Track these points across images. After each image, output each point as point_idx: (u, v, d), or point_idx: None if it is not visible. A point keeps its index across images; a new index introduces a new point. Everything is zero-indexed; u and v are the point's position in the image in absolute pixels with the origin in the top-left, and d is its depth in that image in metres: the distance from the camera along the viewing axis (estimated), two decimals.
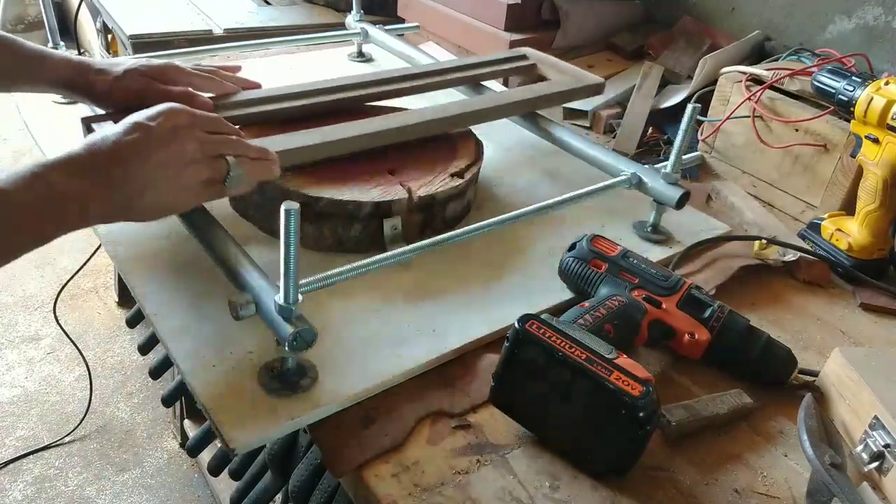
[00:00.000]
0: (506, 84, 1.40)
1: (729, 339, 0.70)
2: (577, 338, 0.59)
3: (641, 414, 0.55)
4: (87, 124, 0.79)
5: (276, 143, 0.77)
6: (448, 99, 1.01)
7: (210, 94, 0.87)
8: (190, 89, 0.84)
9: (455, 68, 1.06)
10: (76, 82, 0.81)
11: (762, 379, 0.71)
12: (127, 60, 0.83)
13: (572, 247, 0.78)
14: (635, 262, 0.75)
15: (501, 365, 0.62)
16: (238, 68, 0.97)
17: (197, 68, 0.88)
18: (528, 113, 1.02)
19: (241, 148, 0.69)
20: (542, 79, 1.11)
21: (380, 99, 0.97)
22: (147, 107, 0.65)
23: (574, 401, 0.58)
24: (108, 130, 0.63)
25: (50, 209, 0.57)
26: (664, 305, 0.72)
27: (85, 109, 1.05)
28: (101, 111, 0.84)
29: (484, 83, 1.11)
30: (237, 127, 0.73)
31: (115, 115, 0.75)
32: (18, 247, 0.57)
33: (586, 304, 0.70)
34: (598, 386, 0.56)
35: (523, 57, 1.12)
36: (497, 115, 0.97)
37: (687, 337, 0.70)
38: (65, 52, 0.90)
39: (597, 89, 1.06)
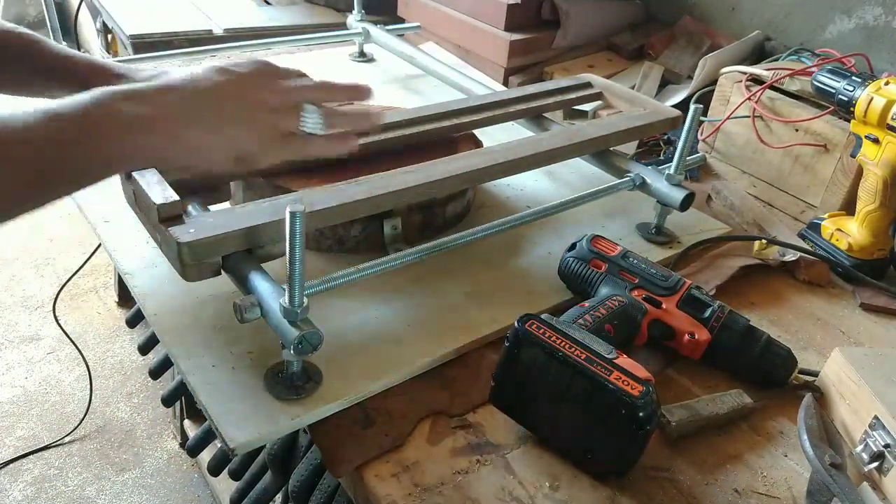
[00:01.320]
0: (506, 84, 1.40)
1: (729, 339, 0.70)
2: (577, 338, 0.59)
3: (641, 414, 0.55)
4: None
5: (352, 192, 0.70)
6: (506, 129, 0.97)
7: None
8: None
9: (515, 99, 0.97)
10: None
11: (762, 379, 0.71)
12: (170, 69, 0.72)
13: (572, 247, 0.78)
14: (635, 262, 0.75)
15: (501, 365, 0.62)
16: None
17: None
18: (530, 113, 1.01)
19: (324, 96, 0.68)
20: (598, 105, 1.05)
21: (437, 135, 0.89)
22: None
23: (574, 401, 0.58)
24: (182, 72, 0.62)
25: (116, 131, 0.57)
26: (664, 305, 0.72)
27: None
28: None
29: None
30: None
31: None
32: (78, 172, 0.57)
33: (586, 304, 0.70)
34: (598, 386, 0.56)
35: (588, 85, 1.05)
36: (572, 153, 0.88)
37: (687, 337, 0.70)
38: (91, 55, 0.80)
39: (674, 123, 0.96)
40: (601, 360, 0.58)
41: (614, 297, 0.71)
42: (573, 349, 0.58)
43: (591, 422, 0.58)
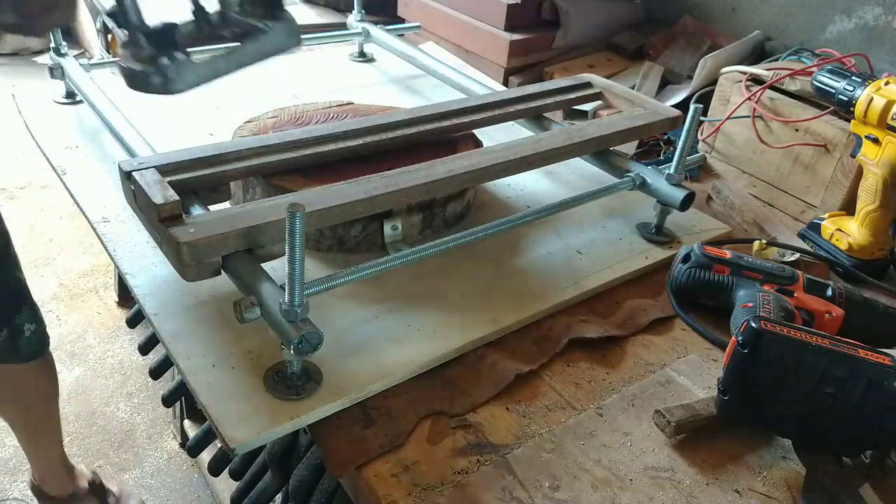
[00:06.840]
0: (502, 79, 1.40)
1: (855, 310, 0.75)
2: (800, 327, 0.61)
3: None
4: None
5: (352, 192, 0.70)
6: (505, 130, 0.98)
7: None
8: None
9: (515, 99, 0.97)
10: None
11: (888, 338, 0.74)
12: None
13: (685, 259, 0.79)
14: (749, 259, 0.77)
15: (735, 373, 0.61)
16: None
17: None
18: (530, 113, 1.01)
19: None
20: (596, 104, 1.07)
21: (437, 135, 0.89)
22: None
23: (837, 386, 0.58)
24: None
25: None
26: (796, 294, 0.74)
27: (86, 109, 1.05)
28: None
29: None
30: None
31: None
32: None
33: (749, 304, 0.72)
34: (857, 364, 0.57)
35: (588, 85, 1.04)
36: (572, 153, 0.88)
37: (826, 316, 0.73)
38: None
39: (674, 123, 0.95)
40: (840, 342, 0.59)
41: (760, 294, 0.73)
42: (814, 337, 0.59)
43: (857, 404, 0.58)
